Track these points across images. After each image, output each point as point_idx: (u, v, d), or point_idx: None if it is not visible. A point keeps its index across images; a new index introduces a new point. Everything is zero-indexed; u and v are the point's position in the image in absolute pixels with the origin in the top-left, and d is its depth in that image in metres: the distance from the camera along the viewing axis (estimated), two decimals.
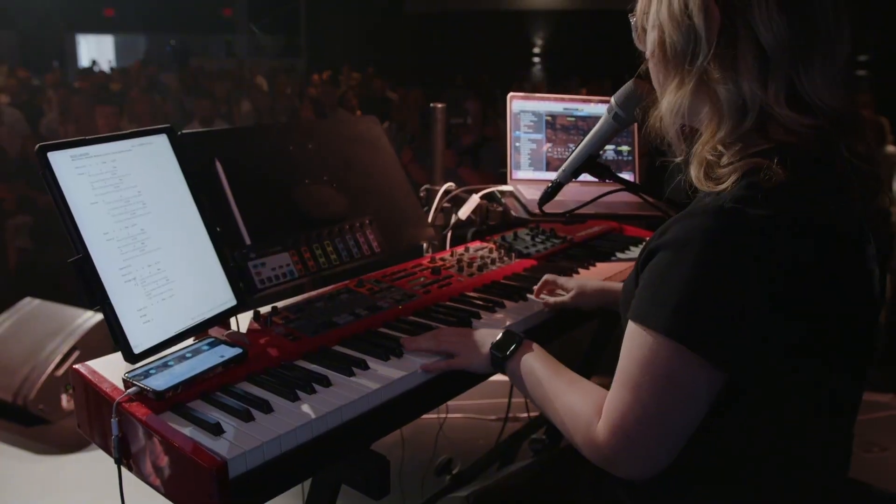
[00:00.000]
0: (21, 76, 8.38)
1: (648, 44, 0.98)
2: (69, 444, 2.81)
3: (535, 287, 1.46)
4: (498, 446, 2.00)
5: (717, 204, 0.83)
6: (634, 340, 0.87)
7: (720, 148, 0.88)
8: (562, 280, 1.43)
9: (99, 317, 3.03)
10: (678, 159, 0.96)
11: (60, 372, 2.95)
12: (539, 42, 14.44)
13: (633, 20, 1.00)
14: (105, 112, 4.75)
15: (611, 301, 1.39)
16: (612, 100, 1.26)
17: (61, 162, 1.01)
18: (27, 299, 3.29)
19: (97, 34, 15.60)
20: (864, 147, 0.93)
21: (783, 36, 0.85)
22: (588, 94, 8.47)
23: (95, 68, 11.82)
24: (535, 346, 1.12)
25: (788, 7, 0.85)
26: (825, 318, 0.86)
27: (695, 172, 0.90)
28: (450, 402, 1.95)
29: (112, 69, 11.07)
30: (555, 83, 10.50)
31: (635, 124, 1.64)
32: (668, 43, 0.93)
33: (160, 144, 1.18)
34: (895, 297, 3.84)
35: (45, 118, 6.87)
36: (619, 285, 1.39)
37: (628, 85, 1.24)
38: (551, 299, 1.42)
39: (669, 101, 0.93)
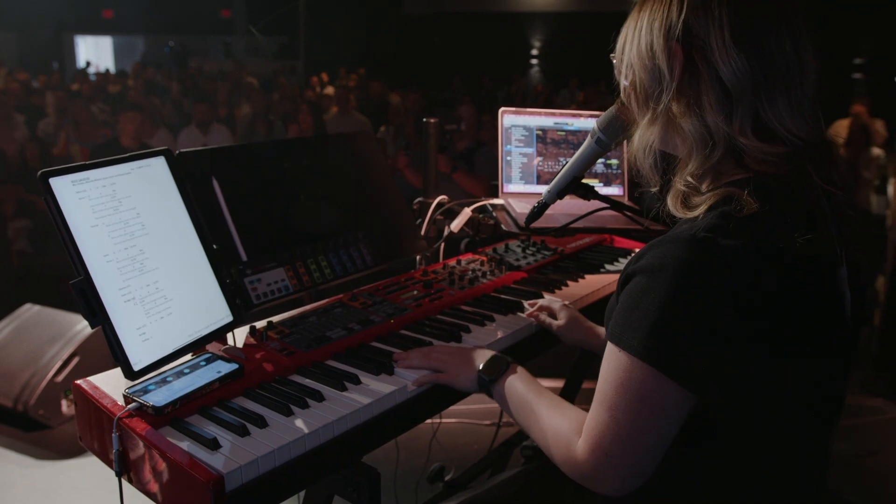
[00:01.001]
0: (21, 79, 8.40)
1: (624, 83, 1.02)
2: (69, 449, 2.84)
3: (532, 308, 1.49)
4: (490, 453, 2.04)
5: (690, 233, 0.87)
6: (611, 362, 0.91)
7: (691, 179, 0.93)
8: (556, 307, 1.47)
9: None
10: (653, 190, 1.00)
11: (60, 378, 2.99)
12: (537, 44, 14.50)
13: (614, 60, 1.04)
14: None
15: (594, 345, 1.41)
16: (595, 125, 1.30)
17: (62, 187, 1.05)
18: (27, 305, 3.32)
19: (96, 36, 15.62)
20: (838, 174, 0.97)
21: (742, 72, 0.90)
22: (585, 95, 8.48)
23: (90, 69, 11.77)
24: (520, 369, 1.16)
25: (744, 45, 0.90)
26: (796, 342, 0.90)
27: (671, 202, 0.95)
28: None
29: (106, 70, 10.97)
30: (552, 85, 10.55)
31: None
32: (637, 82, 0.98)
33: (158, 166, 1.21)
34: (888, 300, 3.88)
35: (42, 121, 6.90)
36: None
37: (610, 111, 1.28)
38: (543, 317, 1.46)
39: (641, 136, 0.99)
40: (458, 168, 3.87)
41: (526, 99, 9.69)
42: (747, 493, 0.96)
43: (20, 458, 2.82)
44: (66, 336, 3.10)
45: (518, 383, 1.12)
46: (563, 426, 0.99)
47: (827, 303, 0.94)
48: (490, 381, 1.15)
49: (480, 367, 1.17)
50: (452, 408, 3.10)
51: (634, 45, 0.98)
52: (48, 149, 5.27)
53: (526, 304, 1.51)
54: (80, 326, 3.12)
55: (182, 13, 13.49)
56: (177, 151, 1.30)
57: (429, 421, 2.49)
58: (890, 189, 4.53)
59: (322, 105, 6.90)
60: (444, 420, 2.67)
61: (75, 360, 3.03)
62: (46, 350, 3.06)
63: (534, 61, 14.44)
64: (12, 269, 4.24)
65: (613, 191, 1.98)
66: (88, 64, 12.75)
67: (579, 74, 10.05)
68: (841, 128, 5.67)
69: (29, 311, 3.29)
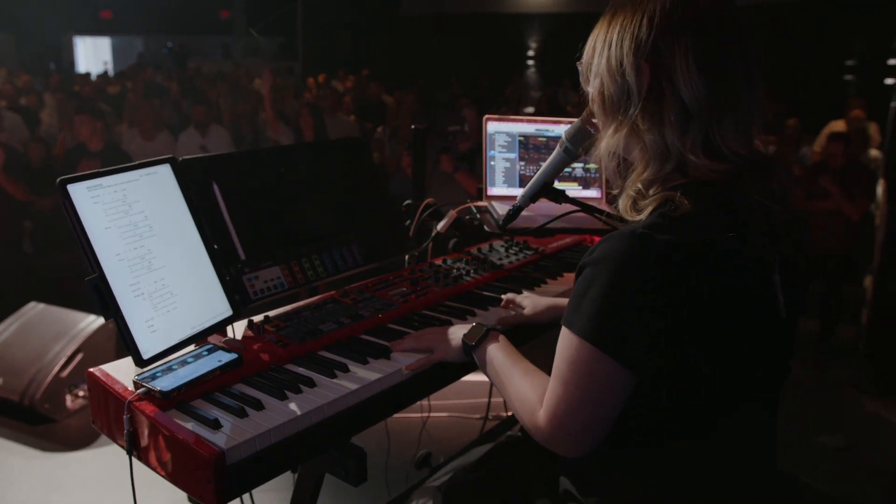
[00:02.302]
0: (21, 81, 8.48)
1: (591, 91, 1.12)
2: (74, 442, 2.95)
3: (504, 314, 1.59)
4: (475, 441, 2.15)
5: (630, 229, 0.98)
6: (564, 342, 1.02)
7: (640, 186, 1.03)
8: (519, 298, 1.58)
9: (100, 321, 3.18)
10: (615, 192, 1.11)
11: (65, 373, 3.09)
12: (533, 45, 14.60)
13: (580, 67, 1.14)
14: (79, 121, 4.80)
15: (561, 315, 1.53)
16: (563, 134, 1.40)
17: (78, 192, 1.16)
18: (32, 303, 3.43)
19: (94, 36, 15.70)
20: (778, 187, 1.06)
21: (702, 94, 0.99)
22: (580, 96, 8.62)
23: (78, 70, 11.61)
24: (500, 336, 1.28)
25: (706, 70, 0.99)
26: (727, 333, 0.99)
27: (622, 206, 1.05)
28: (433, 402, 2.10)
29: (84, 74, 10.75)
30: (552, 86, 10.65)
31: None
32: (605, 93, 1.07)
33: (164, 173, 1.32)
34: (875, 298, 3.99)
35: (43, 123, 6.99)
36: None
37: (577, 122, 1.38)
38: (511, 318, 1.56)
39: (606, 143, 1.08)
40: (460, 168, 3.97)
41: (522, 99, 9.79)
42: (696, 474, 1.06)
43: (26, 450, 2.92)
44: (70, 333, 3.21)
45: (497, 351, 1.24)
46: (530, 394, 1.10)
47: (760, 301, 1.03)
48: (472, 346, 1.27)
49: (463, 334, 1.30)
50: (442, 402, 3.21)
51: (604, 57, 1.06)
52: (51, 150, 5.35)
53: (500, 308, 1.61)
54: (84, 324, 3.23)
55: (181, 14, 13.57)
56: (180, 158, 1.41)
57: (418, 414, 2.61)
58: (878, 190, 4.62)
59: (321, 106, 6.99)
60: (433, 414, 2.78)
61: (79, 357, 3.14)
62: (51, 346, 3.16)
63: (530, 62, 14.54)
64: (19, 269, 4.33)
65: (592, 193, 2.08)
66: (73, 64, 12.70)
67: (574, 76, 10.11)
68: (835, 128, 5.75)
69: (33, 308, 3.40)
